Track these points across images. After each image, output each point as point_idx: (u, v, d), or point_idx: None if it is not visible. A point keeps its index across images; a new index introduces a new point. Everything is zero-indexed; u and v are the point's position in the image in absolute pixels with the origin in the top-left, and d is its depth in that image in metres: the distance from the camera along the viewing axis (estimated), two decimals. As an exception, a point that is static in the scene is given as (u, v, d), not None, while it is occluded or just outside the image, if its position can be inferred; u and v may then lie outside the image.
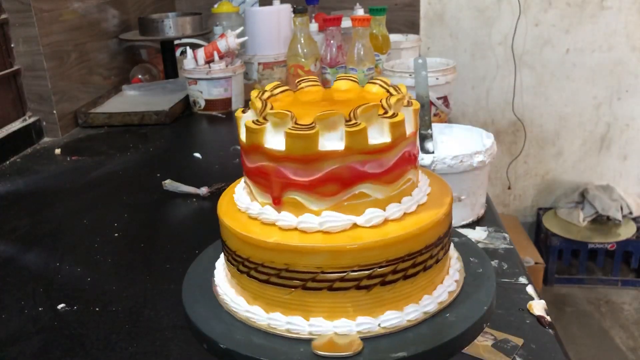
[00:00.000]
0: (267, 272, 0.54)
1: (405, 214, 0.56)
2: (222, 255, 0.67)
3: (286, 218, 0.55)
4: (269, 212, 0.55)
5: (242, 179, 0.64)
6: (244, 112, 0.59)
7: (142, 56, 1.99)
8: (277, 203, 0.55)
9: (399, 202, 0.56)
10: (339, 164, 0.52)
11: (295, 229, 0.54)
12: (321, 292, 0.53)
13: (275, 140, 0.53)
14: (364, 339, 0.54)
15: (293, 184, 0.53)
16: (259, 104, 0.56)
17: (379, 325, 0.55)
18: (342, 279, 0.53)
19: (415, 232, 0.54)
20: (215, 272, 0.68)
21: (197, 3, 2.25)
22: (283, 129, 0.52)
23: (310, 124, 0.52)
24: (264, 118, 0.55)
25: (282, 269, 0.53)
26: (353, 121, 0.53)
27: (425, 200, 0.59)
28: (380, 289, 0.54)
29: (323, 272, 0.53)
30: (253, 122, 0.55)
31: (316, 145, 0.52)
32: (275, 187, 0.54)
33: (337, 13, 1.76)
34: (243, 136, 0.57)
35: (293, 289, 0.54)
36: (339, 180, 0.53)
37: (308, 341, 0.55)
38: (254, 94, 0.61)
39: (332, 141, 0.52)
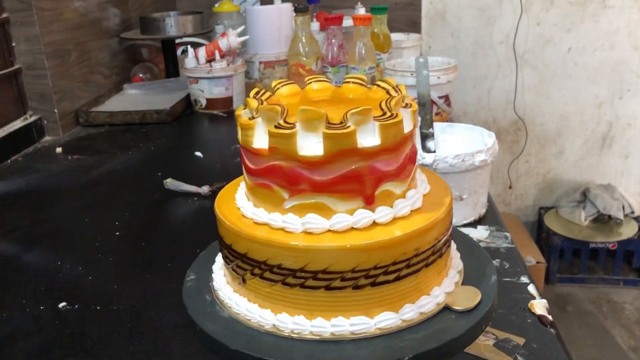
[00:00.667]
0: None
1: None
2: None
3: (385, 211, 0.54)
4: (366, 214, 0.53)
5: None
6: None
7: (143, 55, 1.99)
8: (371, 202, 0.53)
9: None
10: (410, 143, 0.55)
11: (394, 218, 0.54)
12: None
13: (364, 139, 0.52)
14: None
15: (386, 175, 0.53)
16: (317, 113, 0.52)
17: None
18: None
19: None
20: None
21: (198, 2, 2.25)
22: (368, 125, 0.52)
23: (387, 114, 0.53)
24: (330, 122, 0.52)
25: (410, 257, 0.54)
26: (404, 104, 0.56)
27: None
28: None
29: (417, 254, 0.54)
30: (329, 127, 0.51)
31: (402, 130, 0.54)
32: (369, 186, 0.53)
33: (338, 12, 1.75)
34: (310, 149, 0.52)
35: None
36: (412, 159, 0.56)
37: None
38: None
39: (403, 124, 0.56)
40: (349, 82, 0.63)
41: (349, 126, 0.51)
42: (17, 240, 0.94)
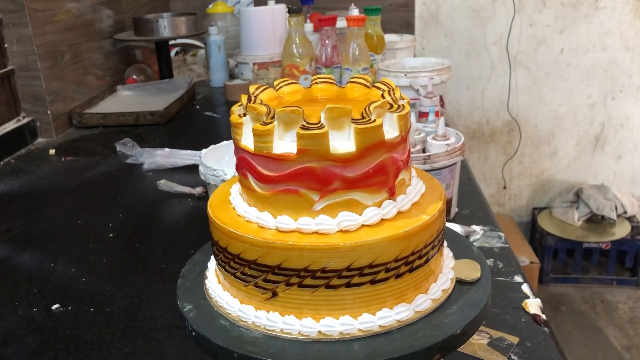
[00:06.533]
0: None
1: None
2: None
3: (404, 199, 0.55)
4: (391, 204, 0.54)
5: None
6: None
7: (136, 56, 1.99)
8: (394, 192, 0.54)
9: None
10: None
11: (412, 204, 0.56)
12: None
13: (387, 129, 0.53)
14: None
15: (402, 164, 0.55)
16: (344, 110, 0.52)
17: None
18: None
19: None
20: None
21: (191, 3, 2.25)
22: (385, 117, 0.54)
23: (394, 107, 0.55)
24: (355, 118, 0.53)
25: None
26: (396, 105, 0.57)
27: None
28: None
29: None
30: (360, 123, 0.51)
31: (409, 120, 0.56)
32: (392, 177, 0.54)
33: (332, 13, 1.76)
34: (341, 146, 0.52)
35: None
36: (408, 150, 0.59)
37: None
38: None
39: None
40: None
41: (374, 120, 0.52)
42: (10, 242, 0.94)
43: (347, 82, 0.63)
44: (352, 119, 0.52)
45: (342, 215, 0.53)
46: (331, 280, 0.52)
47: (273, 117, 0.53)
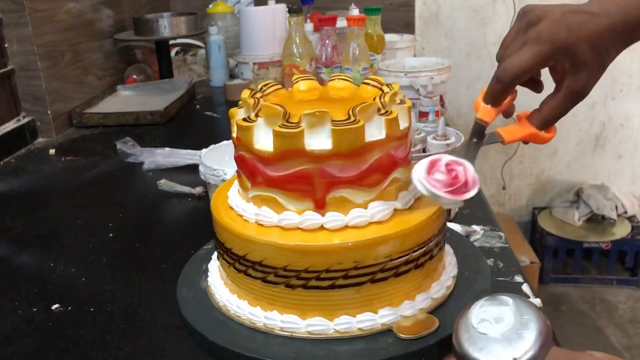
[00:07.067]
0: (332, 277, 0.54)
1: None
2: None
3: (335, 218, 0.54)
4: (313, 217, 0.54)
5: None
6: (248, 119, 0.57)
7: (136, 56, 1.99)
8: (322, 206, 0.53)
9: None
10: (381, 152, 0.54)
11: (346, 226, 0.54)
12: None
13: (315, 141, 0.52)
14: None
15: (339, 181, 0.53)
16: (276, 110, 0.53)
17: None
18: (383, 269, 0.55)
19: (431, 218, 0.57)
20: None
21: (191, 3, 2.25)
22: (323, 128, 0.52)
23: (350, 119, 0.52)
24: (288, 121, 0.53)
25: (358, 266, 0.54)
26: (384, 110, 0.55)
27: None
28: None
29: (391, 260, 0.55)
30: (281, 126, 0.52)
31: (363, 137, 0.53)
32: (319, 190, 0.53)
33: (332, 13, 1.75)
34: (264, 144, 0.53)
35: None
36: (381, 169, 0.55)
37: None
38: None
39: (371, 131, 0.54)
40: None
41: (300, 127, 0.52)
42: (10, 242, 0.94)
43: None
44: (287, 122, 0.53)
45: (262, 209, 0.56)
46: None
47: (256, 110, 0.57)
